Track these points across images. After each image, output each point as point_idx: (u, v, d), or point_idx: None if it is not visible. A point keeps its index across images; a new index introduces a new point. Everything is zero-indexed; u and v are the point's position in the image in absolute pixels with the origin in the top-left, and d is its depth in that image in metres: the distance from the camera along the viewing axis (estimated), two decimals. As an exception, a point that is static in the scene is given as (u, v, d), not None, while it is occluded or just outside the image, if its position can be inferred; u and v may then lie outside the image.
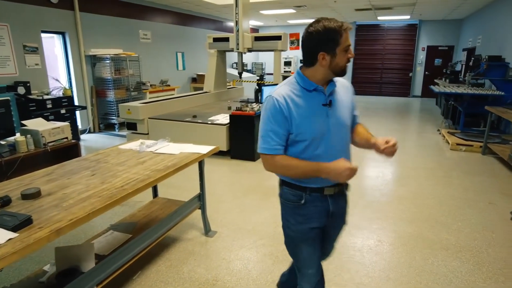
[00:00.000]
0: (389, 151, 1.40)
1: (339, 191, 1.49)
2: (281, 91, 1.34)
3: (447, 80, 8.83)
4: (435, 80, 9.86)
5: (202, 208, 2.78)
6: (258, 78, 7.80)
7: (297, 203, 1.44)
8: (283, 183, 1.49)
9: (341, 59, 1.30)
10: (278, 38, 6.71)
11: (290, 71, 13.63)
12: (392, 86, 13.27)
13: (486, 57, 6.38)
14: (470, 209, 3.39)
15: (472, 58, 6.76)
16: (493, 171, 4.57)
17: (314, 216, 1.45)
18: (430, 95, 11.96)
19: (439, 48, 12.32)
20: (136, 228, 2.46)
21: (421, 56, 12.58)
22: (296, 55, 14.17)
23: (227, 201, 3.56)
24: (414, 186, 4.01)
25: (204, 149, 2.53)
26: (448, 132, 6.39)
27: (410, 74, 12.87)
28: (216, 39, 7.20)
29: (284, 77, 12.60)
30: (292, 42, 14.70)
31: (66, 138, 3.21)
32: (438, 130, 7.04)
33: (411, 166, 4.78)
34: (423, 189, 3.91)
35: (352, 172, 1.25)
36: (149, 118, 5.50)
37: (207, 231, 2.84)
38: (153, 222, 2.50)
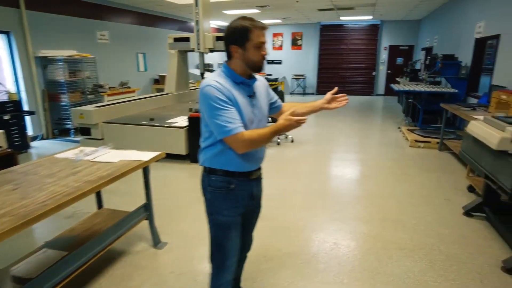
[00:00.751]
0: (341, 100, 1.71)
1: (260, 175, 1.69)
2: (215, 79, 1.43)
3: (408, 79, 9.09)
4: (397, 79, 10.14)
5: (150, 218, 2.61)
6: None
7: (226, 188, 1.54)
8: (210, 172, 1.55)
9: (253, 54, 1.43)
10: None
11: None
12: (356, 85, 13.54)
13: (441, 56, 6.59)
14: (426, 206, 3.43)
15: (429, 57, 6.97)
16: (448, 167, 4.70)
17: (241, 200, 1.58)
18: (392, 93, 12.29)
19: (400, 47, 12.70)
20: (73, 244, 2.25)
21: (383, 56, 12.93)
22: (262, 55, 14.14)
23: (181, 209, 3.40)
24: (373, 185, 4.02)
25: (148, 155, 2.36)
26: (408, 129, 6.54)
27: (373, 73, 13.19)
28: (177, 39, 6.99)
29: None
30: (258, 42, 14.74)
31: (0, 147, 2.92)
32: (399, 128, 7.20)
33: (371, 165, 4.82)
34: (381, 188, 3.93)
35: (302, 120, 1.39)
36: (103, 122, 5.21)
37: (157, 242, 2.67)
38: (94, 236, 2.30)
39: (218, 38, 6.54)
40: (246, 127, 1.45)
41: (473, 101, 6.02)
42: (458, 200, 3.56)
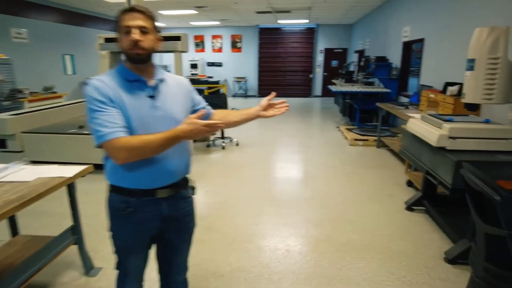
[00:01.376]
0: (279, 106, 1.57)
1: (176, 193, 1.40)
2: (99, 77, 1.26)
3: (343, 80, 9.50)
4: (333, 80, 10.55)
5: (79, 242, 2.26)
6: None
7: (124, 211, 1.32)
8: (112, 189, 1.36)
9: (123, 41, 1.25)
10: (177, 38, 6.29)
11: (197, 74, 13.26)
12: (295, 87, 13.87)
13: (374, 57, 6.96)
14: (372, 203, 3.50)
15: (363, 59, 7.33)
16: (387, 163, 4.91)
17: (146, 223, 1.36)
18: (329, 94, 12.79)
19: (335, 50, 13.29)
20: (-21, 284, 1.83)
21: (319, 58, 13.41)
22: (202, 57, 13.86)
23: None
24: (320, 185, 4.03)
25: (72, 170, 2.02)
26: (346, 129, 6.77)
27: (311, 76, 13.63)
28: (108, 40, 6.44)
29: (192, 80, 12.04)
30: (197, 44, 14.39)
31: None
32: (338, 127, 7.44)
33: (316, 164, 4.86)
34: (328, 188, 3.95)
35: (210, 125, 1.19)
36: (22, 132, 4.56)
37: (89, 269, 2.31)
38: (7, 271, 1.90)
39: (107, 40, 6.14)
40: (135, 132, 1.23)
41: (404, 100, 6.43)
42: (399, 195, 3.69)
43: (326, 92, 13.23)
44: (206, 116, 1.52)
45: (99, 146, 1.20)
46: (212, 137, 6.30)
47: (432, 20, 5.34)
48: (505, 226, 1.34)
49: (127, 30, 1.23)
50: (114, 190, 1.34)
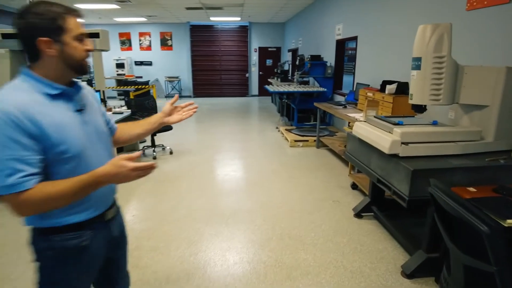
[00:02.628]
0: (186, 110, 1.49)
1: (115, 208, 1.30)
2: (13, 100, 0.97)
3: (279, 79, 9.37)
4: (269, 79, 10.40)
5: None
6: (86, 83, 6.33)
7: (78, 247, 1.13)
8: (48, 232, 1.10)
9: (75, 50, 1.06)
10: (96, 35, 5.50)
11: (124, 74, 12.20)
12: (231, 87, 13.53)
13: (309, 56, 6.87)
14: (318, 212, 3.27)
15: (298, 58, 7.22)
16: (329, 164, 4.79)
17: (98, 253, 1.21)
18: (266, 93, 12.70)
19: (269, 49, 13.20)
20: None
21: (254, 57, 13.22)
22: (129, 56, 12.79)
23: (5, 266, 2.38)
24: (263, 195, 3.70)
25: None
26: (285, 129, 6.59)
27: (247, 75, 13.39)
28: (7, 35, 5.40)
29: (118, 81, 10.94)
30: (123, 42, 13.25)
31: None
32: (277, 128, 7.25)
33: (257, 170, 4.54)
34: (272, 197, 3.64)
35: (142, 168, 1.00)
36: None
37: None
38: None
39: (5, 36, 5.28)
40: (81, 155, 1.07)
41: (340, 98, 6.43)
42: (346, 200, 3.53)
43: (263, 92, 13.10)
44: (112, 131, 1.37)
45: None
46: (141, 146, 5.65)
47: (364, 18, 5.35)
48: (494, 262, 1.11)
49: (81, 38, 1.08)
50: (57, 231, 1.10)
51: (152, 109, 5.48)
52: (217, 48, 13.12)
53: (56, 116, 1.02)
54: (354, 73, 5.88)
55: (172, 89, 13.11)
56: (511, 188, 2.02)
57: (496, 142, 2.35)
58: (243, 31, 13.04)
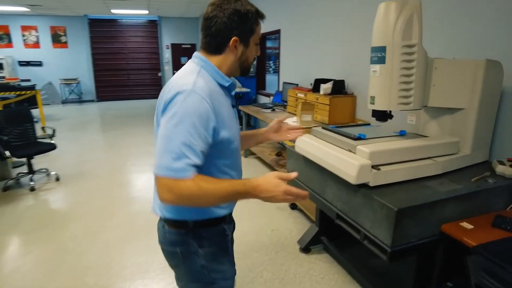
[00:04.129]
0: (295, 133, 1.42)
1: None
2: (203, 86, 0.97)
3: (196, 79, 8.46)
4: (185, 79, 9.41)
5: None
6: None
7: (225, 240, 1.16)
8: (195, 226, 1.08)
9: (251, 53, 1.10)
10: None
11: (4, 77, 9.91)
12: (142, 88, 12.09)
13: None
14: (257, 252, 2.52)
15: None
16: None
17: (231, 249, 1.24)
18: (183, 94, 11.62)
19: (183, 46, 12.13)
20: None
21: (166, 55, 12.02)
22: (10, 55, 10.47)
23: None
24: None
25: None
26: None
27: (159, 74, 12.11)
28: None
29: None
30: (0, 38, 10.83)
31: None
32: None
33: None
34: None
35: (293, 195, 0.97)
36: None
37: None
38: None
39: None
40: (237, 152, 1.12)
41: (265, 99, 5.82)
42: (286, 227, 2.86)
43: (178, 92, 11.96)
44: None
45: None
46: (15, 171, 4.23)
47: (288, 9, 4.77)
48: None
49: (258, 43, 1.11)
50: (208, 224, 1.10)
51: (27, 122, 4.12)
52: (123, 45, 11.57)
53: (227, 107, 1.06)
54: (278, 72, 5.30)
55: (70, 93, 11.16)
56: (510, 218, 1.53)
57: (473, 154, 1.87)
58: (152, 26, 11.73)
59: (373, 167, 1.56)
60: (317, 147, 1.86)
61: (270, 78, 7.34)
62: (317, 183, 1.97)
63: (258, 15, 1.07)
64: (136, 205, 3.39)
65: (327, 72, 3.82)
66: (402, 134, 1.86)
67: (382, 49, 1.68)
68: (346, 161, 1.59)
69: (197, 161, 0.93)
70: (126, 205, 3.39)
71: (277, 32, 5.14)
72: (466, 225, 1.51)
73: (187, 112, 0.92)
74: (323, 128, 2.02)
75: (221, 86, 1.07)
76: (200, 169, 0.95)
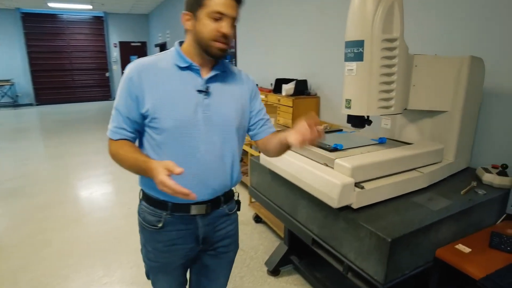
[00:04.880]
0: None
1: (215, 209, 1.20)
2: (142, 62, 1.07)
3: (147, 79, 7.90)
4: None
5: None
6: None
7: (154, 226, 1.16)
8: (143, 197, 1.20)
9: (204, 27, 1.01)
10: None
11: None
12: (89, 90, 11.17)
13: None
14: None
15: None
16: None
17: (178, 241, 1.18)
18: (134, 96, 10.92)
19: (132, 44, 11.38)
20: None
21: (114, 54, 11.20)
22: None
23: None
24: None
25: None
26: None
27: (107, 74, 11.26)
28: None
29: None
30: None
31: None
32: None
33: (118, 203, 3.17)
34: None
35: (170, 189, 0.89)
36: None
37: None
38: None
39: None
40: (173, 135, 1.06)
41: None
42: (251, 245, 2.55)
43: (129, 94, 11.22)
44: (264, 133, 1.24)
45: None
46: None
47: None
48: None
49: (218, 17, 1.00)
50: (146, 198, 1.18)
51: None
52: (64, 43, 10.59)
53: (169, 88, 1.06)
54: (236, 70, 4.97)
55: (3, 96, 9.97)
56: (507, 236, 1.34)
57: (456, 161, 1.69)
58: (97, 23, 10.87)
59: (356, 185, 1.30)
60: (286, 160, 1.57)
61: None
62: (286, 201, 1.69)
63: None
64: (79, 228, 2.89)
65: (288, 71, 3.57)
66: (382, 142, 1.63)
67: (359, 43, 1.42)
68: (324, 179, 1.31)
69: (123, 125, 1.07)
70: (66, 229, 2.88)
71: (233, 28, 4.81)
72: (462, 247, 1.30)
73: (120, 81, 1.08)
74: (291, 136, 1.73)
75: (179, 66, 1.08)
76: (141, 137, 1.13)
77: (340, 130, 1.89)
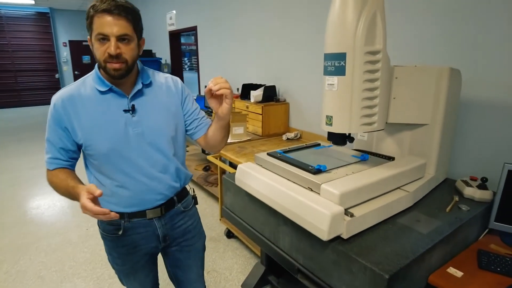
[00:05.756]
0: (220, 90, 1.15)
1: (170, 209, 1.30)
2: (65, 92, 1.13)
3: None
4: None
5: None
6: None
7: (115, 234, 1.24)
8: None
9: (96, 51, 1.08)
10: None
11: None
12: (36, 93, 10.32)
13: (138, 52, 5.34)
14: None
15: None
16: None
17: (141, 243, 1.28)
18: (88, 98, 10.24)
19: (84, 43, 10.65)
20: None
21: (64, 53, 10.42)
22: None
23: None
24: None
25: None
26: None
27: (57, 76, 10.46)
28: None
29: None
30: None
31: None
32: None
33: (73, 226, 2.87)
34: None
35: (92, 212, 0.93)
36: None
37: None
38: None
39: None
40: (110, 158, 1.14)
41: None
42: (225, 266, 2.40)
43: (82, 96, 10.51)
44: (202, 129, 1.35)
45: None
46: None
47: (204, 3, 4.25)
48: None
49: (102, 38, 1.05)
50: None
51: None
52: (4, 41, 9.67)
53: (96, 114, 1.11)
54: (198, 74, 4.76)
55: None
56: (495, 255, 1.31)
57: (437, 175, 1.65)
58: (43, 20, 10.05)
59: (345, 212, 1.19)
60: (265, 183, 1.44)
61: (188, 76, 6.76)
62: (266, 226, 1.55)
63: (95, 10, 1.02)
64: (27, 258, 2.56)
65: (255, 76, 3.44)
66: (364, 159, 1.54)
67: (341, 56, 1.31)
68: (311, 207, 1.19)
69: (58, 155, 1.14)
70: (11, 259, 2.54)
71: (194, 29, 4.59)
72: (453, 271, 1.25)
73: (48, 114, 1.13)
74: (268, 155, 1.60)
75: (100, 91, 1.12)
76: (85, 160, 1.21)
77: (318, 145, 1.79)
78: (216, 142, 1.33)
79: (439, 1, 1.83)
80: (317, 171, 1.35)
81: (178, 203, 1.34)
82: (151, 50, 5.57)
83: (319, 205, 1.18)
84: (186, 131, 1.34)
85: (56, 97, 1.12)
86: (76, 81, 1.16)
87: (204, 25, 4.31)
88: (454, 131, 1.73)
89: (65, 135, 1.12)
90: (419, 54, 1.97)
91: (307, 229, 1.21)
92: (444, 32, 1.83)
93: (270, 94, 3.01)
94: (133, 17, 1.08)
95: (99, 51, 1.06)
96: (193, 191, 1.47)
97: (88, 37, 1.11)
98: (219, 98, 1.20)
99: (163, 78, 1.27)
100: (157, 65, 5.48)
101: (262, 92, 2.94)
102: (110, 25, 1.03)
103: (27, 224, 3.07)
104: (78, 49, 10.54)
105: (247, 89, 3.15)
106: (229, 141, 2.67)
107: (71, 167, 1.19)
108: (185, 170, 1.35)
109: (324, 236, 1.14)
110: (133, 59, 1.12)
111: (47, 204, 3.49)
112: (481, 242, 1.47)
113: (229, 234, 2.77)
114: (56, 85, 10.45)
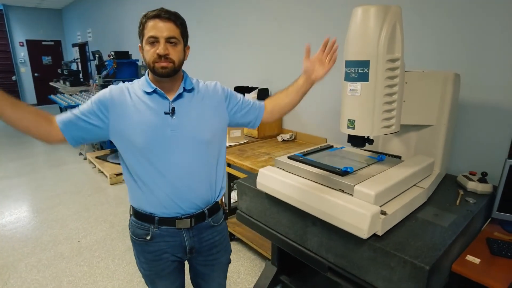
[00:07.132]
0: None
1: (200, 222, 1.31)
2: (119, 86, 1.23)
3: (67, 83, 7.06)
4: (52, 84, 7.81)
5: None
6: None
7: (143, 239, 1.28)
8: (132, 212, 1.32)
9: (146, 54, 1.16)
10: None
11: None
12: (-8, 97, 9.58)
13: (113, 53, 5.16)
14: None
15: (97, 56, 5.35)
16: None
17: (167, 251, 1.30)
18: (49, 102, 9.68)
19: (44, 43, 10.06)
20: None
21: (22, 54, 9.78)
22: None
23: None
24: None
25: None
26: (97, 157, 4.75)
27: (14, 78, 9.79)
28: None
29: None
30: None
31: None
32: (82, 154, 5.25)
33: (72, 248, 2.75)
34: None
35: None
36: None
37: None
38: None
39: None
40: (145, 154, 1.18)
41: (165, 107, 5.12)
42: (232, 270, 2.41)
43: (44, 99, 9.93)
44: (259, 111, 1.45)
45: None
46: None
47: (193, 4, 4.21)
48: None
49: (152, 41, 1.13)
50: (134, 214, 1.30)
51: None
52: (-47, 41, 8.89)
53: (142, 111, 1.17)
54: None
55: None
56: (502, 241, 1.46)
57: (441, 172, 1.79)
58: (-4, 18, 9.35)
59: (383, 212, 1.27)
60: (292, 186, 1.49)
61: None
62: (291, 228, 1.60)
63: (146, 17, 1.13)
64: (14, 278, 2.41)
65: (247, 78, 3.47)
66: (381, 159, 1.64)
67: (365, 64, 1.39)
68: (349, 208, 1.26)
69: (73, 120, 1.16)
70: (-3, 277, 2.39)
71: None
72: (471, 259, 1.37)
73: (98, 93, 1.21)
74: (289, 158, 1.65)
75: (146, 92, 1.20)
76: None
77: (331, 147, 1.87)
78: (285, 109, 1.46)
79: (437, 6, 1.98)
80: (345, 172, 1.43)
81: (208, 217, 1.34)
82: (127, 52, 5.40)
83: (356, 205, 1.25)
84: (248, 123, 1.43)
85: (114, 87, 1.22)
86: (129, 82, 1.26)
87: (196, 26, 4.26)
88: (453, 131, 1.88)
89: (95, 118, 1.17)
90: (414, 59, 2.11)
91: (344, 229, 1.28)
92: (442, 36, 1.98)
93: (264, 96, 3.05)
94: (181, 23, 1.17)
95: (149, 53, 1.14)
96: (226, 205, 1.57)
97: (139, 44, 1.20)
98: (318, 63, 1.34)
99: (204, 85, 1.33)
100: (134, 67, 5.32)
101: (256, 95, 2.98)
102: (160, 28, 1.12)
103: (8, 241, 2.89)
104: (38, 49, 9.93)
105: (239, 91, 3.17)
106: (227, 144, 2.69)
107: (61, 126, 1.15)
108: (221, 182, 1.37)
109: (364, 234, 1.21)
110: (180, 61, 1.19)
111: (28, 216, 3.29)
112: (485, 231, 1.62)
113: (231, 237, 2.79)
114: (14, 88, 9.76)
